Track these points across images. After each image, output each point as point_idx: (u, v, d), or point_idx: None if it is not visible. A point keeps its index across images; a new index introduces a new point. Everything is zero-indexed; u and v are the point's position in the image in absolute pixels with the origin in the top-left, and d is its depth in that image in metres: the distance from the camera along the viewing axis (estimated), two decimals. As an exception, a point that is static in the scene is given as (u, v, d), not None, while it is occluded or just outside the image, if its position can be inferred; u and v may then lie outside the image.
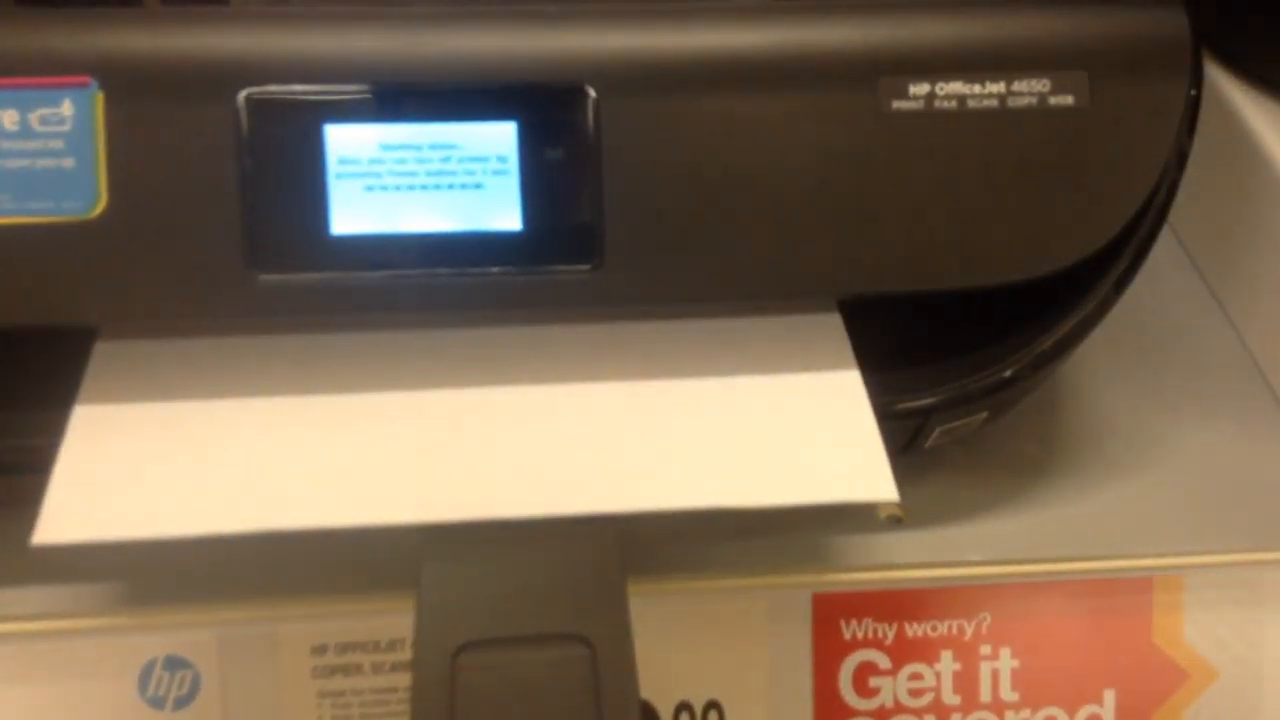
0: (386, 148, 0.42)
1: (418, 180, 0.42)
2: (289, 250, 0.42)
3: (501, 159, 0.42)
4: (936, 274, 0.44)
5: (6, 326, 0.41)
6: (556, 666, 0.37)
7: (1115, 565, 0.49)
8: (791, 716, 0.48)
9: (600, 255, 0.42)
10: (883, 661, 0.48)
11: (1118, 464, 0.53)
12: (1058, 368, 0.49)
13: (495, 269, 0.42)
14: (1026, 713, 0.49)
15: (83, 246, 0.40)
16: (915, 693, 0.49)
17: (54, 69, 0.40)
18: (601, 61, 0.42)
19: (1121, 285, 0.46)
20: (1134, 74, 0.43)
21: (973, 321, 0.47)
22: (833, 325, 0.46)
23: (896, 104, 0.43)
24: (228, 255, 0.41)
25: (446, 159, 0.42)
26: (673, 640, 0.48)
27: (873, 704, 0.49)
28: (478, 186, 0.42)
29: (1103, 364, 0.57)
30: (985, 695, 0.49)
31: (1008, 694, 0.49)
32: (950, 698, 0.49)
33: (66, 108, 0.40)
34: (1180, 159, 0.45)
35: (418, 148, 0.42)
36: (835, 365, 0.45)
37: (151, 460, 0.41)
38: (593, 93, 0.42)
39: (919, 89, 0.43)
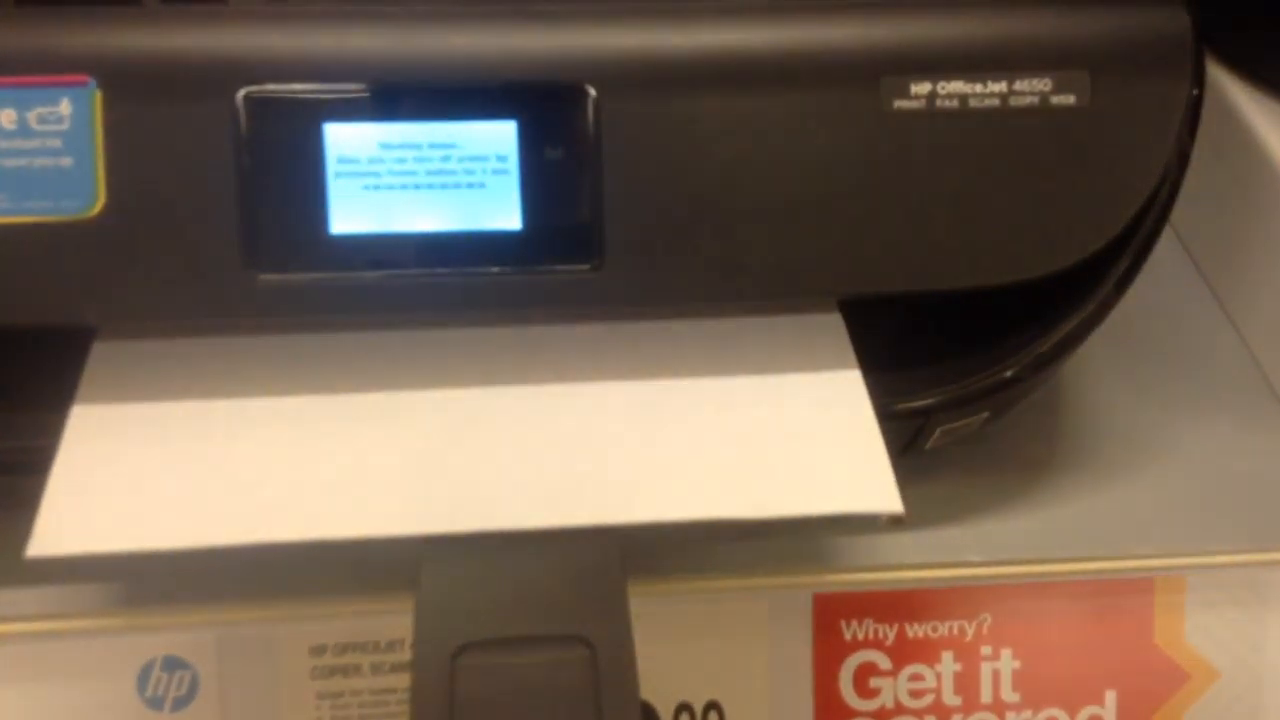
0: (386, 147, 0.42)
1: (417, 179, 0.42)
2: (288, 250, 0.41)
3: (501, 158, 0.42)
4: (937, 274, 0.44)
5: (4, 326, 0.41)
6: (557, 667, 0.37)
7: (1116, 565, 0.49)
8: (792, 717, 0.48)
9: (600, 255, 0.42)
10: (883, 662, 0.48)
11: (1119, 464, 0.53)
12: (1059, 368, 0.49)
13: (495, 269, 0.42)
14: (1028, 713, 0.49)
15: (81, 246, 0.40)
16: (916, 693, 0.49)
17: (52, 68, 0.40)
18: (602, 61, 0.42)
19: (1123, 285, 0.46)
20: (1136, 73, 0.43)
21: (974, 322, 0.47)
22: (833, 326, 0.46)
23: (898, 103, 0.42)
24: (226, 255, 0.41)
25: (446, 158, 0.42)
26: (673, 640, 0.47)
27: (873, 705, 0.48)
28: (477, 186, 0.42)
29: (1104, 364, 0.57)
30: (986, 696, 0.49)
31: (1009, 695, 0.49)
32: (951, 698, 0.49)
33: (65, 107, 0.40)
34: (1182, 159, 0.45)
35: (417, 147, 0.42)
36: (836, 366, 0.44)
37: (147, 470, 0.40)
38: (593, 92, 0.42)
39: (920, 88, 0.42)
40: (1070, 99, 0.43)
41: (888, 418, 0.44)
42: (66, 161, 0.40)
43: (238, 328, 0.45)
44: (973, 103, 0.43)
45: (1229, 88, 0.59)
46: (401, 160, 0.42)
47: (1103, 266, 0.46)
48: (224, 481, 0.40)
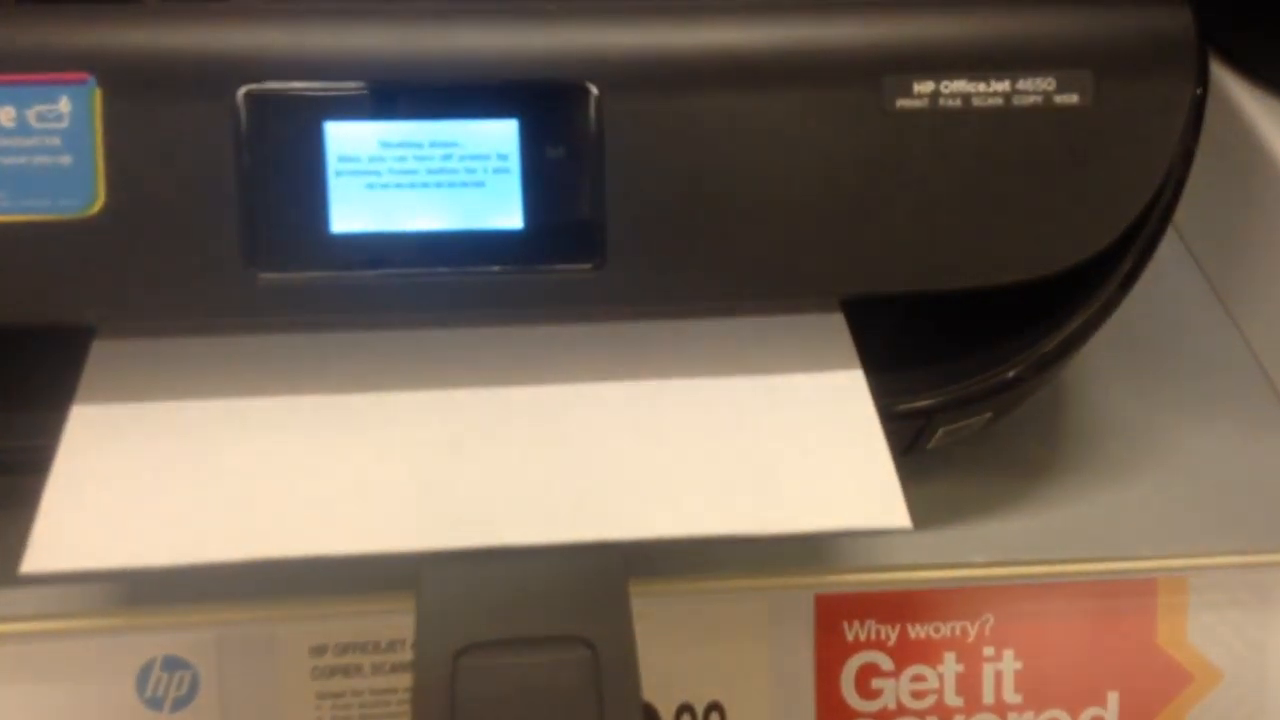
0: (387, 145, 0.41)
1: (418, 178, 0.42)
2: (288, 248, 0.41)
3: (503, 157, 0.42)
4: (940, 274, 0.44)
5: (3, 325, 0.41)
6: (558, 668, 0.37)
7: (1119, 567, 0.49)
8: (793, 718, 0.48)
9: (602, 254, 0.42)
10: (885, 663, 0.48)
11: (1121, 465, 0.53)
12: (1062, 368, 0.48)
13: (496, 268, 0.42)
14: (1030, 714, 0.49)
15: (80, 244, 0.40)
16: (918, 694, 0.49)
17: (52, 65, 0.40)
18: (603, 59, 0.42)
19: (1126, 285, 0.46)
20: (1139, 73, 0.43)
21: (977, 322, 0.47)
22: (836, 325, 0.46)
23: (900, 102, 0.42)
24: (227, 253, 0.41)
25: (447, 157, 0.42)
26: (675, 641, 0.47)
27: (875, 706, 0.48)
28: (479, 185, 0.42)
29: (1106, 364, 0.57)
30: (988, 697, 0.49)
31: (1011, 696, 0.49)
32: (953, 699, 0.49)
33: (64, 104, 0.40)
34: (1185, 158, 0.45)
35: (418, 145, 0.42)
36: (839, 365, 0.44)
37: (143, 482, 0.40)
38: (595, 90, 0.42)
39: (923, 87, 0.42)
40: (1073, 98, 0.43)
41: (890, 418, 0.43)
42: (66, 160, 0.40)
43: (238, 327, 0.44)
44: (976, 102, 0.43)
45: (1232, 88, 0.59)
46: (402, 159, 0.42)
47: (1106, 267, 0.45)
48: (222, 495, 0.40)
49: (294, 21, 0.41)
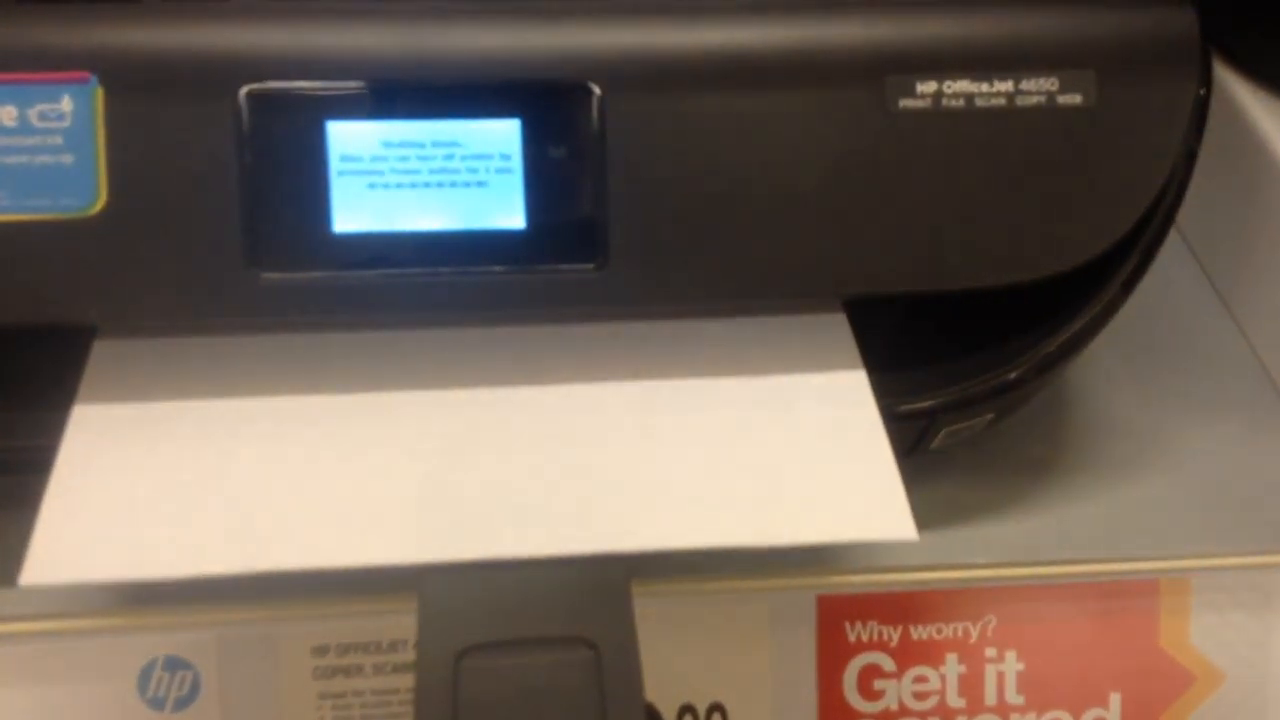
0: (389, 145, 0.41)
1: (420, 178, 0.42)
2: (290, 248, 0.41)
3: (505, 156, 0.42)
4: (943, 274, 0.44)
5: (5, 325, 0.41)
6: (561, 670, 0.37)
7: (1121, 568, 0.49)
8: (795, 719, 0.48)
9: (604, 254, 0.42)
10: (887, 664, 0.48)
11: (1123, 466, 0.53)
12: (1064, 369, 0.48)
13: (498, 268, 0.42)
14: (1032, 716, 0.49)
15: (82, 244, 0.40)
16: (920, 695, 0.48)
17: (53, 64, 0.40)
18: (606, 59, 0.42)
19: (1129, 286, 0.46)
20: (1143, 73, 0.43)
21: (979, 322, 0.47)
22: (838, 326, 0.45)
23: (903, 102, 0.42)
24: (228, 253, 0.41)
25: (450, 156, 0.42)
26: (676, 642, 0.47)
27: (877, 707, 0.48)
28: (481, 184, 0.42)
29: (1109, 365, 0.57)
30: (990, 698, 0.49)
31: (1013, 697, 0.49)
32: (955, 700, 0.49)
33: (66, 104, 0.40)
34: (1189, 159, 0.45)
35: (420, 145, 0.41)
36: (841, 366, 0.44)
37: (143, 490, 0.40)
38: (597, 90, 0.41)
39: (926, 87, 0.42)
40: (1077, 99, 0.43)
41: (893, 418, 0.43)
42: (68, 159, 0.40)
43: (239, 327, 0.44)
44: (979, 102, 0.43)
45: (1234, 88, 0.59)
46: (405, 158, 0.41)
47: (1109, 267, 0.45)
48: (222, 504, 0.39)
49: (296, 21, 0.41)
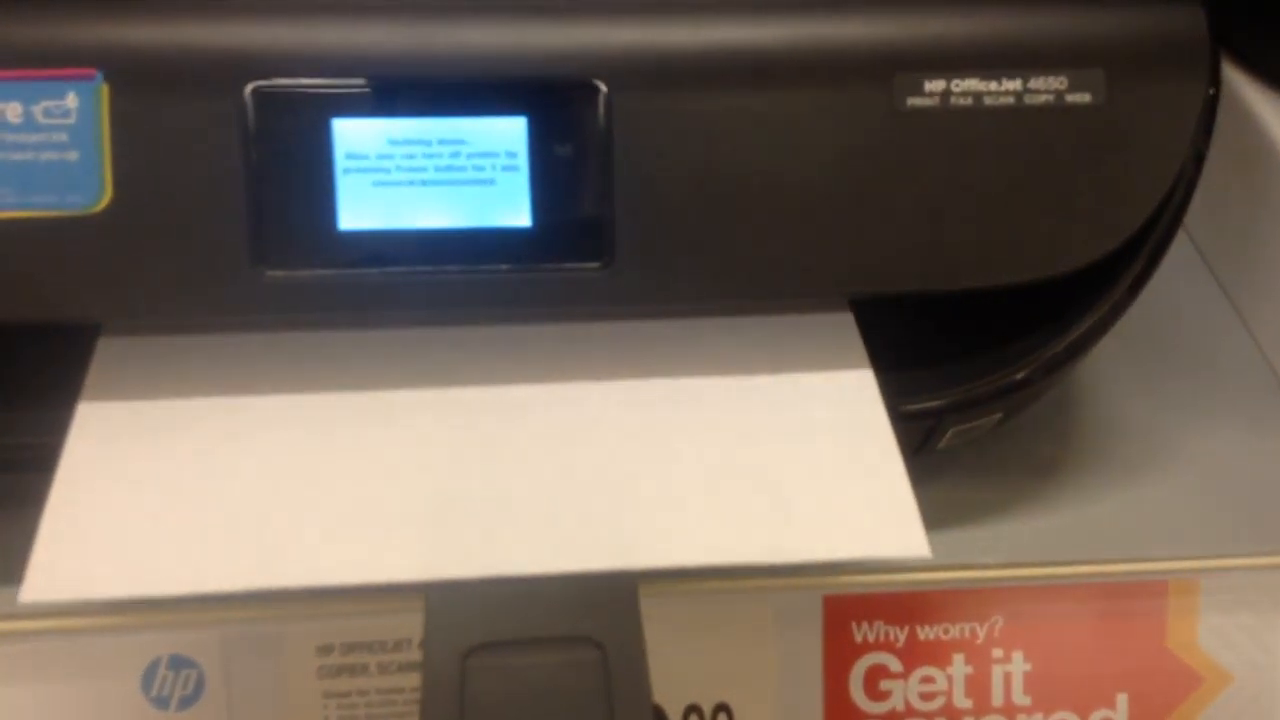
0: (395, 142, 0.41)
1: (426, 176, 0.41)
2: (296, 246, 0.41)
3: (511, 154, 0.42)
4: (950, 274, 0.43)
5: (9, 322, 0.41)
6: (567, 669, 0.37)
7: (1129, 568, 0.49)
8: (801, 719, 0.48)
9: (610, 253, 0.42)
10: (894, 664, 0.48)
11: (1132, 466, 0.53)
12: (1072, 369, 0.48)
13: (504, 266, 0.42)
14: (1039, 717, 0.49)
15: (87, 241, 0.40)
16: (927, 696, 0.48)
17: (59, 61, 0.40)
18: (613, 56, 0.42)
19: (1137, 286, 0.46)
20: (1152, 72, 0.43)
21: (987, 322, 0.47)
22: (845, 325, 0.45)
23: (911, 101, 0.42)
24: (234, 251, 0.41)
25: (456, 154, 0.42)
26: (682, 642, 0.47)
27: (884, 707, 0.48)
28: (487, 182, 0.42)
29: (1117, 365, 0.57)
30: (997, 699, 0.48)
31: (1020, 698, 0.49)
32: (962, 701, 0.48)
33: (71, 100, 0.40)
34: (1198, 159, 0.44)
35: (427, 143, 0.41)
36: (848, 366, 0.44)
37: (145, 504, 0.39)
38: (604, 88, 0.41)
39: (934, 86, 0.42)
40: (1085, 97, 0.43)
41: (900, 418, 0.43)
42: (73, 156, 0.40)
43: (245, 325, 0.44)
44: (987, 101, 0.42)
45: (1243, 89, 0.59)
46: (410, 156, 0.41)
47: (1117, 267, 0.45)
48: (225, 519, 0.39)
49: (302, 18, 0.41)
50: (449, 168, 0.42)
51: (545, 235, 0.42)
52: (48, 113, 0.40)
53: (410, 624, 0.46)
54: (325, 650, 0.46)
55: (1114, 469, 0.52)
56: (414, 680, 0.46)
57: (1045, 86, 0.43)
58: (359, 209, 0.41)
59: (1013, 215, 0.43)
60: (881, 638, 0.48)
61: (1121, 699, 0.49)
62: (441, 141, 0.41)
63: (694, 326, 0.45)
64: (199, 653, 0.46)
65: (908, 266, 0.43)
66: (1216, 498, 0.51)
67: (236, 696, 0.46)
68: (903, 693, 0.48)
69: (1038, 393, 0.49)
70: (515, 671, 0.37)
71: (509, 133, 0.42)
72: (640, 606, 0.38)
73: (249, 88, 0.40)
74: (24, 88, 0.40)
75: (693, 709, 0.48)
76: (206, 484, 0.40)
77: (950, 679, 0.48)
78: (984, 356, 0.47)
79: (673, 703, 0.47)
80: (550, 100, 0.42)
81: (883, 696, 0.48)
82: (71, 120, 0.40)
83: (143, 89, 0.40)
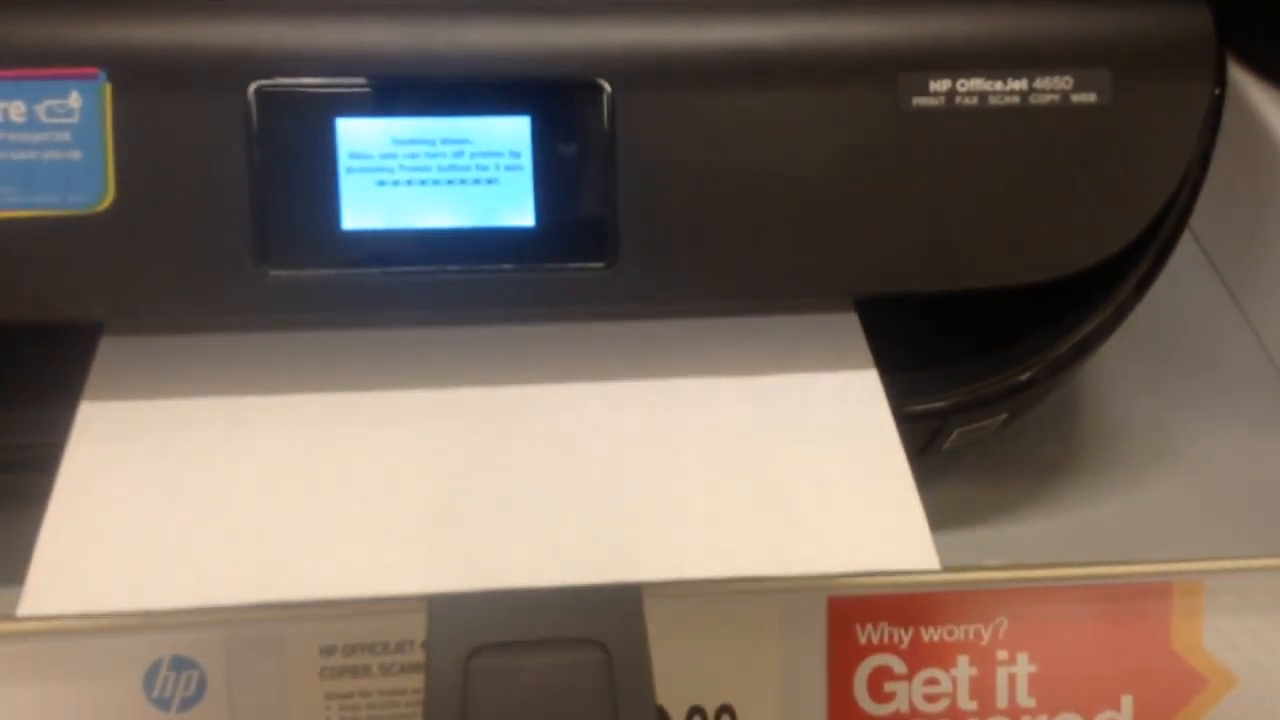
0: (398, 142, 0.41)
1: (430, 175, 0.41)
2: (299, 245, 0.41)
3: (515, 154, 0.42)
4: (955, 274, 0.43)
5: (12, 321, 0.41)
6: (572, 671, 0.37)
7: (1134, 570, 0.48)
8: (805, 721, 0.48)
9: (614, 253, 0.42)
10: (898, 666, 0.48)
11: (1137, 467, 0.53)
12: (1077, 370, 0.48)
13: (507, 266, 0.42)
14: (1044, 718, 0.48)
15: (90, 240, 0.40)
16: (931, 698, 0.48)
17: (62, 60, 0.40)
18: (616, 56, 0.42)
19: (1143, 287, 0.46)
20: (1158, 72, 0.43)
21: (992, 322, 0.46)
22: (849, 326, 0.45)
23: (916, 100, 0.42)
24: (237, 250, 0.41)
25: (459, 154, 0.41)
26: (686, 643, 0.47)
27: (888, 709, 0.48)
28: (490, 182, 0.42)
29: (1122, 365, 0.57)
30: (1002, 701, 0.48)
31: (1025, 699, 0.48)
32: (966, 703, 0.48)
33: (74, 99, 0.40)
34: (1203, 159, 0.44)
35: (430, 142, 0.41)
36: (853, 366, 0.44)
37: (145, 514, 0.39)
38: (608, 88, 0.41)
39: (939, 85, 0.42)
40: (1091, 97, 0.43)
41: (905, 419, 0.43)
42: (76, 155, 0.40)
43: (248, 324, 0.44)
44: (992, 100, 0.42)
45: (1249, 89, 0.59)
46: (414, 156, 0.41)
47: (1123, 268, 0.45)
48: (225, 530, 0.39)
49: (306, 17, 0.41)
50: (452, 167, 0.41)
51: (549, 235, 0.42)
52: (51, 112, 0.40)
53: (413, 625, 0.46)
54: (327, 651, 0.46)
55: (1119, 470, 0.52)
56: (417, 681, 0.46)
57: (1051, 86, 0.42)
58: (362, 208, 0.41)
59: (1017, 215, 0.43)
60: (886, 639, 0.48)
61: (1126, 701, 0.49)
62: (445, 141, 0.41)
63: (697, 327, 0.45)
64: (201, 654, 0.46)
65: (912, 267, 0.43)
66: (1221, 499, 0.51)
67: (238, 698, 0.46)
68: (907, 694, 0.48)
69: (1043, 393, 0.49)
70: (519, 673, 0.36)
71: (512, 132, 0.41)
72: (644, 608, 0.38)
73: (252, 87, 0.40)
74: (27, 87, 0.40)
75: (696, 710, 0.48)
76: (207, 491, 0.40)
77: (955, 681, 0.48)
78: (989, 357, 0.47)
79: (676, 704, 0.47)
80: (554, 100, 0.42)
81: (887, 698, 0.48)
82: (74, 119, 0.40)
83: (146, 88, 0.40)
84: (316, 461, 0.41)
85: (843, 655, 0.48)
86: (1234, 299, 0.61)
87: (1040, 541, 0.49)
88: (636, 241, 0.42)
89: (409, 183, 0.41)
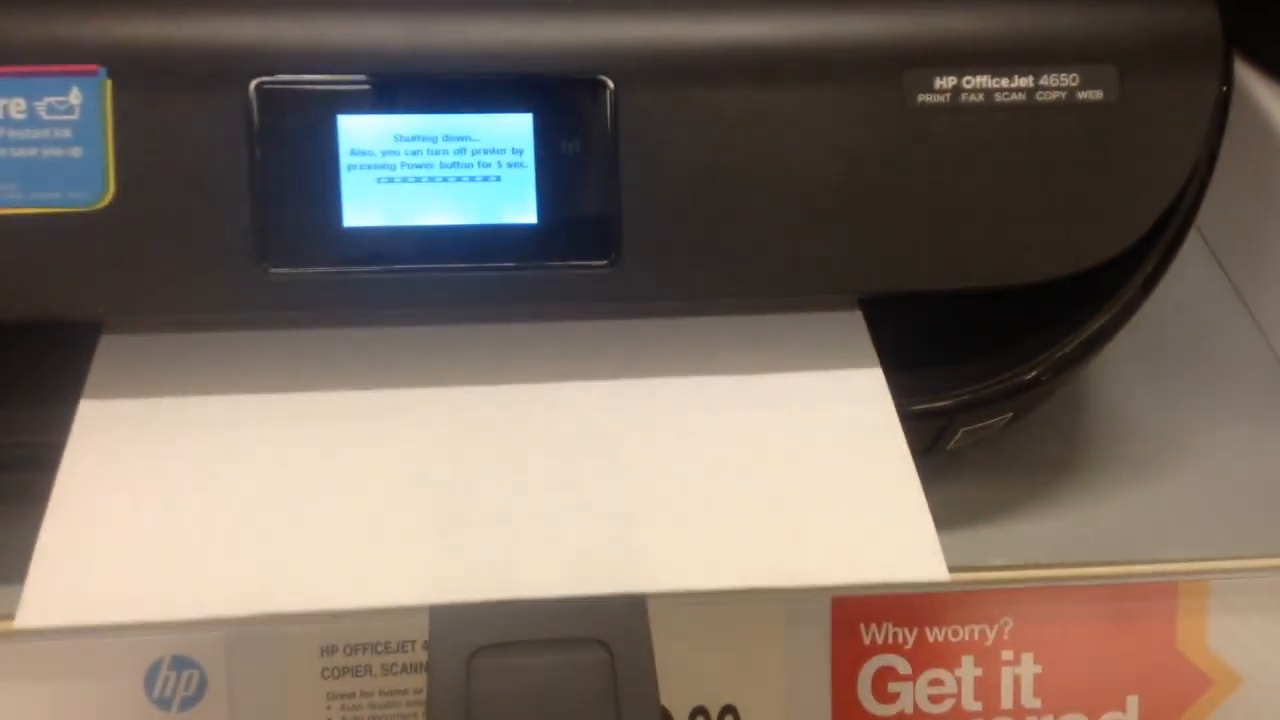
0: (400, 139, 0.41)
1: (432, 172, 0.41)
2: (300, 243, 0.41)
3: (517, 151, 0.41)
4: (960, 273, 0.43)
5: (11, 319, 0.41)
6: (574, 671, 0.36)
7: (1139, 570, 0.48)
8: (809, 722, 0.48)
9: (616, 250, 0.42)
10: (902, 666, 0.48)
11: (1142, 466, 0.52)
12: (1083, 369, 0.48)
13: (510, 264, 0.42)
14: (1049, 719, 0.48)
15: (90, 238, 0.40)
16: (935, 699, 0.48)
17: (62, 56, 0.40)
18: (620, 53, 0.41)
19: (1149, 285, 0.46)
20: (1164, 69, 0.43)
21: (997, 321, 0.46)
22: (854, 324, 0.45)
23: (921, 97, 0.42)
24: (238, 248, 0.40)
25: (461, 151, 0.41)
26: (690, 643, 0.47)
27: (892, 710, 0.48)
28: (493, 179, 0.41)
29: (1127, 365, 0.56)
30: (1007, 701, 0.48)
31: (1029, 700, 0.48)
32: (971, 704, 0.48)
33: (75, 96, 0.39)
34: (1210, 157, 0.44)
35: (432, 139, 0.41)
36: (857, 364, 0.44)
37: (144, 523, 0.38)
38: (611, 85, 0.41)
39: (945, 82, 0.42)
40: (1098, 94, 0.42)
41: (910, 418, 0.43)
42: (76, 152, 0.40)
43: (249, 322, 0.44)
44: (998, 97, 0.42)
45: (1255, 87, 0.58)
46: (416, 153, 0.41)
47: (1128, 266, 0.45)
48: (225, 540, 0.38)
49: (307, 13, 0.41)
50: (454, 164, 0.41)
51: (551, 232, 0.42)
52: (51, 109, 0.40)
53: (414, 625, 0.46)
54: (329, 651, 0.46)
55: (1124, 469, 0.52)
56: (418, 681, 0.46)
57: (1057, 83, 0.42)
58: (364, 206, 0.41)
59: (1023, 213, 0.43)
60: (890, 639, 0.48)
61: (1131, 701, 0.49)
62: (447, 138, 0.41)
63: (701, 325, 0.45)
64: (201, 653, 0.46)
65: (917, 265, 0.43)
66: (1226, 498, 0.51)
67: (239, 697, 0.46)
68: (911, 695, 0.48)
69: (1049, 392, 0.48)
70: (521, 673, 0.36)
71: (515, 129, 0.41)
72: (647, 608, 0.38)
73: (253, 84, 0.40)
74: (27, 83, 0.39)
75: (699, 711, 0.47)
76: (207, 495, 0.39)
77: (959, 681, 0.48)
78: (994, 356, 0.46)
79: (679, 704, 0.47)
80: (557, 97, 0.41)
81: (891, 698, 0.48)
82: (75, 116, 0.40)
83: (146, 85, 0.40)
84: (317, 463, 0.41)
85: (847, 655, 0.48)
86: (1240, 297, 0.61)
87: (1045, 541, 0.49)
88: (640, 239, 0.42)
89: (411, 180, 0.41)
